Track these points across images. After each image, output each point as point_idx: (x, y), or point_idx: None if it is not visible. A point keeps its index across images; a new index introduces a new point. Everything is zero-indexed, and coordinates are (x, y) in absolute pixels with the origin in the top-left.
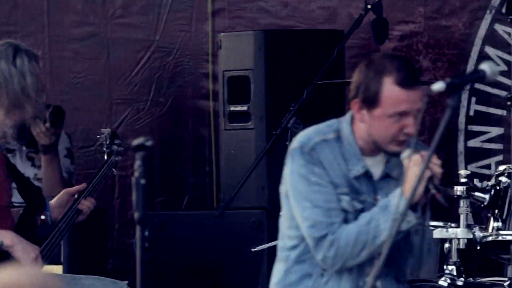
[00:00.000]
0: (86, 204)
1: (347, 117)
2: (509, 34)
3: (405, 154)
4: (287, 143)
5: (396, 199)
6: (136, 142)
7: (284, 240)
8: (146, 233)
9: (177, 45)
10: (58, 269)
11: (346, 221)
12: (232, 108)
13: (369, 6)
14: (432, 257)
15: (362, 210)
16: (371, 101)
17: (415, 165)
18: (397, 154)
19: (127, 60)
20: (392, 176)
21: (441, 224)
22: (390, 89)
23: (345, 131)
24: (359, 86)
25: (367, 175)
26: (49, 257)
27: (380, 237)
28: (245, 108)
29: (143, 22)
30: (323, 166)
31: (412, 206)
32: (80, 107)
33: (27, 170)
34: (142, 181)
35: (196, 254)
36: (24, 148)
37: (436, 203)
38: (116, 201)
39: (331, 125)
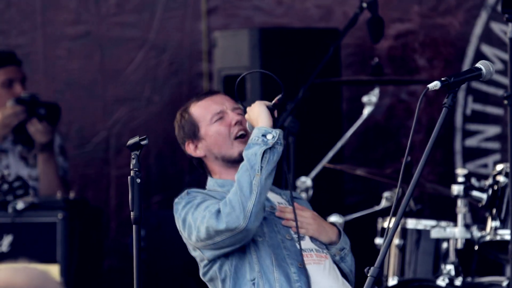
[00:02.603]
0: None
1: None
2: (505, 32)
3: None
4: (283, 141)
5: (254, 132)
6: (131, 141)
7: (214, 282)
8: (143, 232)
9: (172, 43)
10: (54, 268)
11: None
12: None
13: (364, 5)
14: (428, 257)
15: None
16: (192, 131)
17: (255, 106)
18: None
19: (121, 59)
20: None
21: (439, 223)
22: (195, 108)
23: (210, 184)
24: (180, 135)
25: None
26: None
27: (255, 162)
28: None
29: (137, 20)
30: (204, 195)
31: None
32: (75, 106)
33: (21, 170)
34: (138, 180)
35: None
36: (17, 147)
37: (435, 202)
38: (112, 200)
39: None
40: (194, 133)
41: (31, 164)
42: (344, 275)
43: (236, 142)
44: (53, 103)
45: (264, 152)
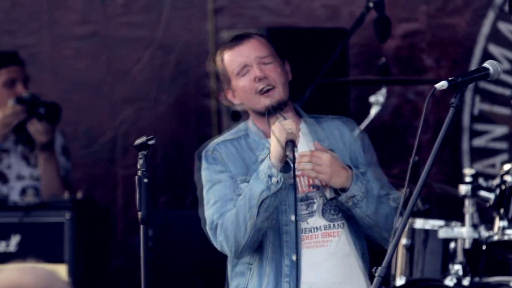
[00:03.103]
0: None
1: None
2: None
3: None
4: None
5: (265, 165)
6: (138, 141)
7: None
8: (150, 232)
9: (179, 43)
10: (61, 268)
11: None
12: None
13: (371, 4)
14: (436, 256)
15: None
16: (227, 80)
17: (275, 131)
18: (274, 109)
19: (128, 59)
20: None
21: (447, 223)
22: (226, 57)
23: (250, 124)
24: (221, 83)
25: None
26: None
27: (254, 204)
28: None
29: (144, 20)
30: (224, 163)
31: (284, 168)
32: (82, 106)
33: (23, 170)
34: (145, 180)
35: (201, 254)
36: (19, 147)
37: (443, 202)
38: (119, 200)
39: (240, 127)
40: (229, 83)
41: (33, 164)
42: (357, 228)
43: (262, 97)
44: (53, 102)
45: (265, 198)
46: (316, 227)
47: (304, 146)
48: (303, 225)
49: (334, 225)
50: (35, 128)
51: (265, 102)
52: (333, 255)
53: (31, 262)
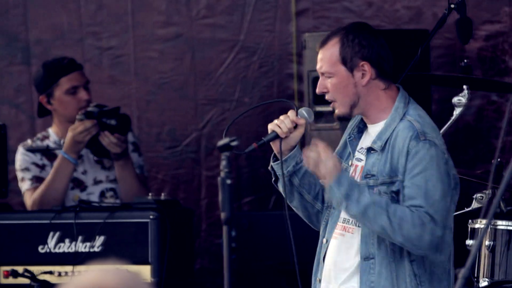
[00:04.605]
0: None
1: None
2: None
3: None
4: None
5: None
6: (221, 142)
7: None
8: (233, 233)
9: (262, 45)
10: (146, 269)
11: None
12: (318, 109)
13: (452, 6)
14: None
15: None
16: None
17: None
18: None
19: (212, 60)
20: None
21: None
22: None
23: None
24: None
25: None
26: None
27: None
28: (330, 108)
29: (227, 22)
30: None
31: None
32: (166, 107)
33: (99, 174)
34: (228, 181)
35: (284, 255)
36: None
37: None
38: (203, 201)
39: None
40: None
41: (108, 167)
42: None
43: None
44: (123, 114)
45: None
46: (345, 219)
47: (366, 142)
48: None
49: (350, 221)
50: (109, 141)
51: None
52: (338, 248)
53: (114, 264)
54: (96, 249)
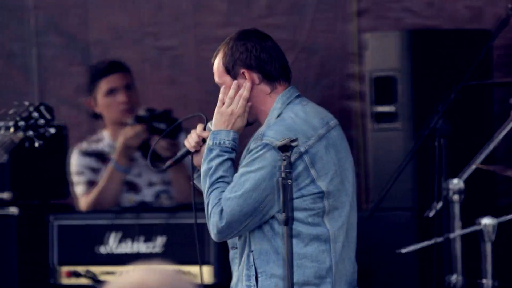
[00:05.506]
0: None
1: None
2: None
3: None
4: (435, 143)
5: None
6: (281, 142)
7: None
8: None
9: (322, 45)
10: (209, 269)
11: None
12: (379, 109)
13: (509, 6)
14: None
15: None
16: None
17: None
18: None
19: None
20: None
21: None
22: None
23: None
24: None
25: None
26: None
27: None
28: (392, 108)
29: (287, 22)
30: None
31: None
32: None
33: (153, 176)
34: (288, 182)
35: None
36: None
37: None
38: None
39: None
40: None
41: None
42: None
43: None
44: (171, 115)
45: None
46: None
47: None
48: None
49: None
50: (160, 145)
51: None
52: None
53: (158, 263)
54: (157, 250)
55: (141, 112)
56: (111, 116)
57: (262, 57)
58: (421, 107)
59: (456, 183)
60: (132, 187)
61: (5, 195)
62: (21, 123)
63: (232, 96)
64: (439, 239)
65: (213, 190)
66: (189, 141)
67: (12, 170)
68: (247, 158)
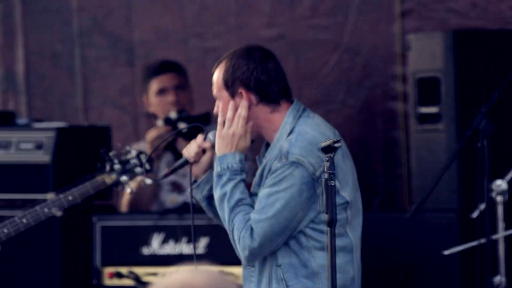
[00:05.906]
0: None
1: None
2: None
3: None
4: (478, 144)
5: None
6: (325, 143)
7: None
8: None
9: (366, 46)
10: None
11: None
12: (423, 110)
13: None
14: None
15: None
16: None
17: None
18: None
19: (315, 61)
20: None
21: None
22: None
23: None
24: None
25: None
26: None
27: None
28: (435, 109)
29: (331, 23)
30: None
31: None
32: None
33: (183, 180)
34: (332, 183)
35: (387, 257)
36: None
37: None
38: None
39: None
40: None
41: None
42: None
43: None
44: (210, 118)
45: None
46: None
47: None
48: None
49: None
50: (182, 147)
51: None
52: None
53: (205, 265)
54: (200, 251)
55: (172, 114)
56: (162, 115)
57: (262, 80)
58: (464, 108)
59: (500, 184)
60: (177, 187)
61: (49, 196)
62: (118, 166)
63: (230, 118)
64: (483, 240)
65: (236, 214)
66: (189, 151)
67: (56, 171)
68: (272, 177)
